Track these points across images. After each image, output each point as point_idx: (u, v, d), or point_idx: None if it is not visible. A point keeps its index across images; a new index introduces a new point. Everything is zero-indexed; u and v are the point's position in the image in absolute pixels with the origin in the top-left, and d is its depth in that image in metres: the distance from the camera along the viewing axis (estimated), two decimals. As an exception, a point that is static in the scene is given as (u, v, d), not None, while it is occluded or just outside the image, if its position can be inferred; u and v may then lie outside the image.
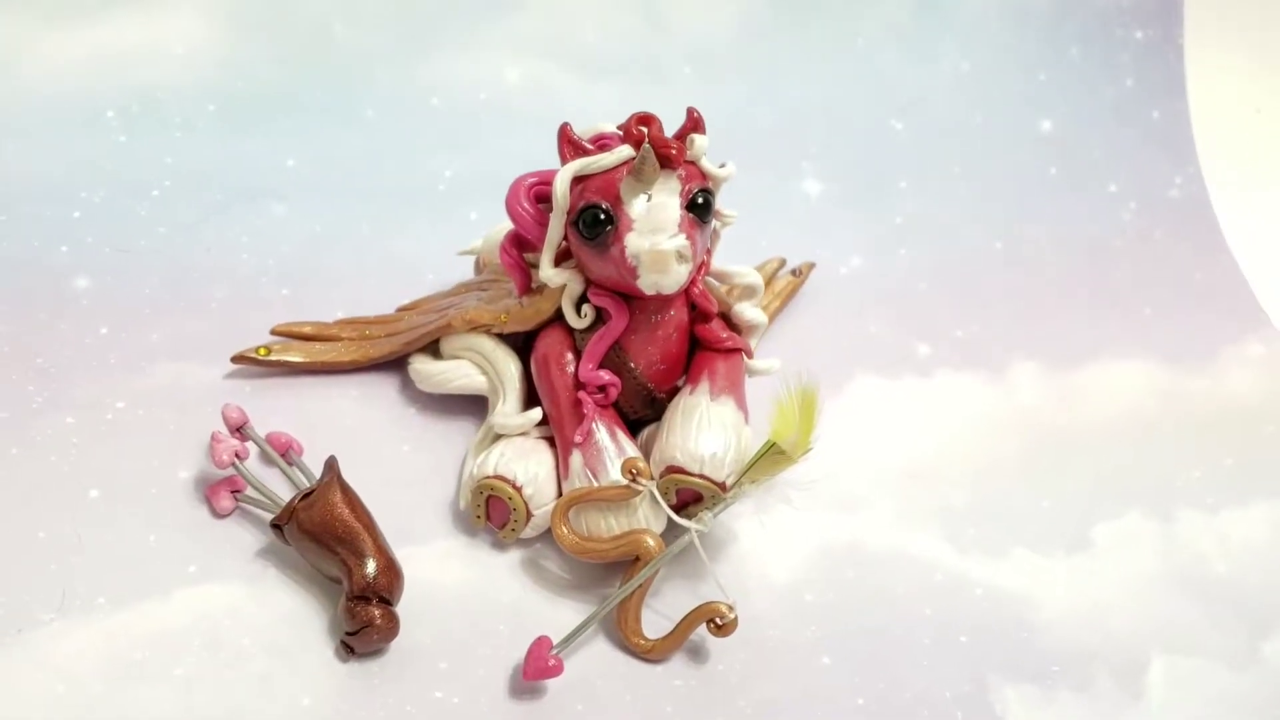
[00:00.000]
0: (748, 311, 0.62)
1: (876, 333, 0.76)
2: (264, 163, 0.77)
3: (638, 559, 0.56)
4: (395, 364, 0.67)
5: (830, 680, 0.57)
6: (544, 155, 0.81)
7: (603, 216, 0.56)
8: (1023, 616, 0.61)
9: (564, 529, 0.57)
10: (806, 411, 0.55)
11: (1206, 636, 0.62)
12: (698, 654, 0.57)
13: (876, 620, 0.60)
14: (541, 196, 0.60)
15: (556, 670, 0.54)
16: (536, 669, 0.54)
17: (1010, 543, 0.65)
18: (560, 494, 0.59)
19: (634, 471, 0.55)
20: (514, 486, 0.58)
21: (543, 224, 0.59)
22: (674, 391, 0.61)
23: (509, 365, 0.62)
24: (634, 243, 0.55)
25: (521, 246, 0.62)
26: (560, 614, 0.57)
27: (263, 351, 0.65)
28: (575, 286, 0.59)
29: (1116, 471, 0.70)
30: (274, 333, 0.67)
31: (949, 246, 0.83)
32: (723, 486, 0.56)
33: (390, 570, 0.54)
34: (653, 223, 0.55)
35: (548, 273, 0.59)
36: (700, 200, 0.56)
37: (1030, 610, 0.62)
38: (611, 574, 0.59)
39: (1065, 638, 0.61)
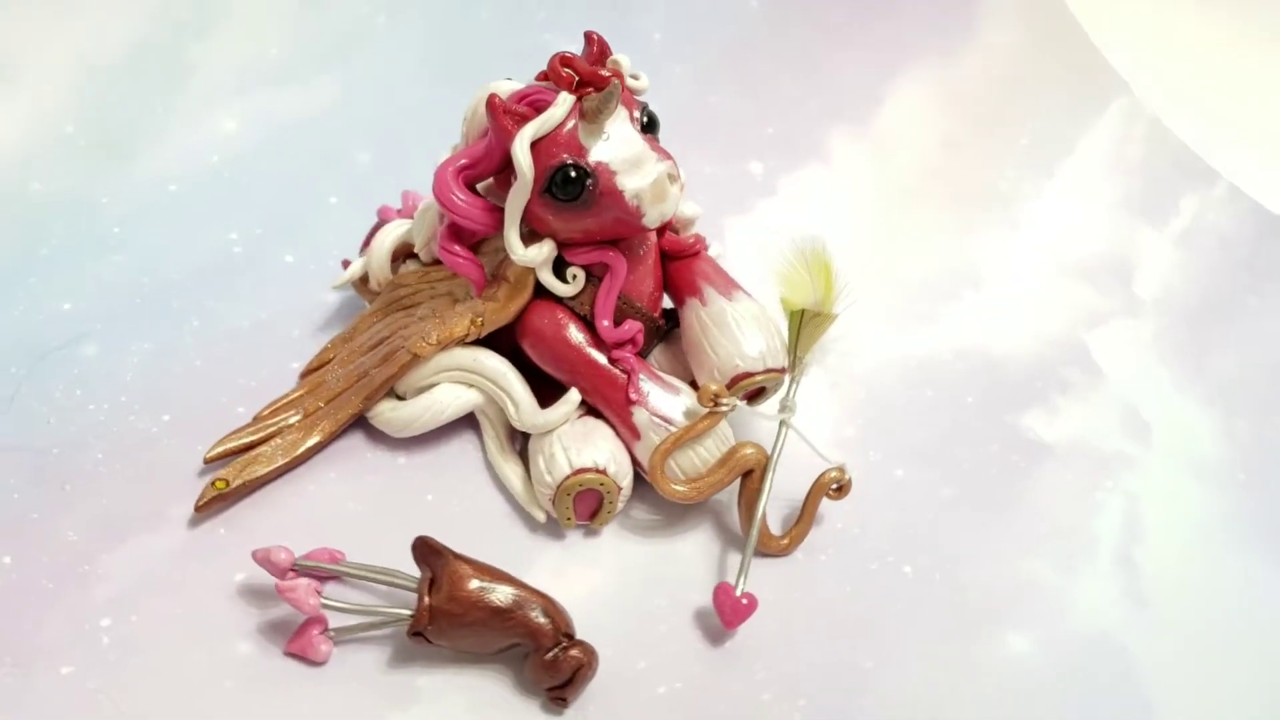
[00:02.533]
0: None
1: (710, 171, 0.77)
2: (40, 320, 0.64)
3: (750, 472, 0.56)
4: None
5: (913, 482, 0.62)
6: (311, 179, 0.74)
7: (574, 174, 0.53)
8: (985, 359, 0.70)
9: (670, 485, 0.56)
10: (820, 270, 0.58)
11: (1104, 301, 0.74)
12: (822, 529, 0.59)
13: (909, 418, 0.65)
14: (471, 180, 0.55)
15: (752, 607, 0.54)
16: (736, 613, 0.54)
17: (934, 304, 0.72)
18: (633, 458, 0.57)
19: (714, 396, 0.55)
20: (598, 471, 0.55)
21: (489, 209, 0.55)
22: (665, 314, 0.60)
23: (500, 365, 0.58)
24: (630, 184, 0.53)
25: (462, 240, 0.57)
26: (694, 561, 0.57)
27: (220, 485, 0.56)
28: (546, 251, 0.56)
29: (957, 198, 0.79)
30: (209, 460, 0.57)
31: (704, 20, 0.85)
32: (783, 371, 0.58)
33: (555, 606, 0.51)
34: (630, 159, 0.53)
35: (524, 253, 0.55)
36: (647, 119, 0.55)
37: (986, 351, 0.70)
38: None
39: (1022, 359, 0.70)
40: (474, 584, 0.50)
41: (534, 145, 0.53)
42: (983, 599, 0.57)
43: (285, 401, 0.60)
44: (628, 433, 0.57)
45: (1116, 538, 0.61)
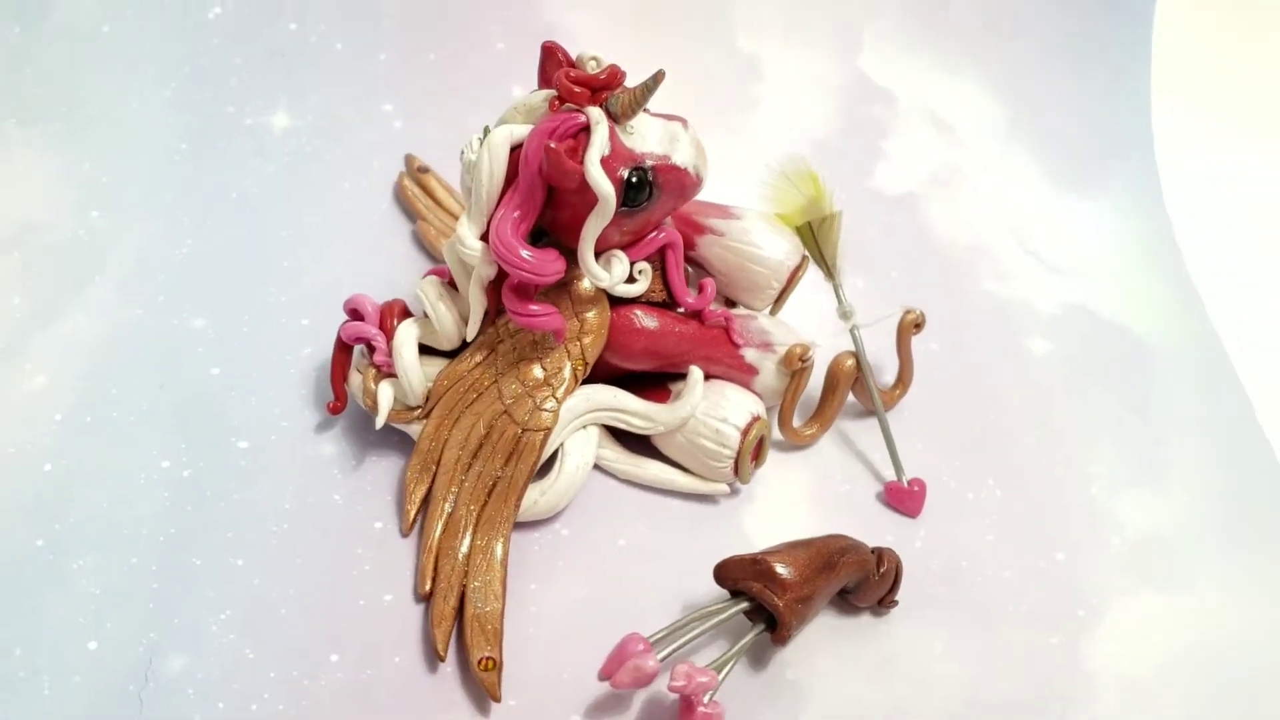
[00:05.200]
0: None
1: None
2: (86, 677, 0.51)
3: (856, 380, 0.61)
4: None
5: (887, 284, 0.71)
6: (178, 370, 0.67)
7: (635, 179, 0.52)
8: (813, 145, 0.77)
9: (813, 432, 0.61)
10: (803, 177, 0.60)
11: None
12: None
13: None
14: (526, 234, 0.53)
15: (924, 489, 0.60)
16: (915, 500, 0.60)
17: (744, 115, 0.78)
18: (756, 392, 0.60)
19: (800, 355, 0.59)
20: (757, 419, 0.58)
21: (557, 255, 0.53)
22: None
23: (607, 391, 0.57)
24: (682, 158, 0.54)
25: (530, 295, 0.54)
26: (838, 445, 0.63)
27: (490, 665, 0.51)
28: (626, 266, 0.55)
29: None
30: (444, 654, 0.51)
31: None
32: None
33: (843, 537, 0.55)
34: (664, 138, 0.54)
35: (610, 278, 0.54)
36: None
37: (811, 137, 0.78)
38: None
39: (836, 126, 0.79)
40: (795, 566, 0.52)
41: (591, 166, 0.51)
42: (994, 325, 0.69)
43: (431, 557, 0.54)
44: (744, 374, 0.59)
45: (1015, 237, 0.75)
